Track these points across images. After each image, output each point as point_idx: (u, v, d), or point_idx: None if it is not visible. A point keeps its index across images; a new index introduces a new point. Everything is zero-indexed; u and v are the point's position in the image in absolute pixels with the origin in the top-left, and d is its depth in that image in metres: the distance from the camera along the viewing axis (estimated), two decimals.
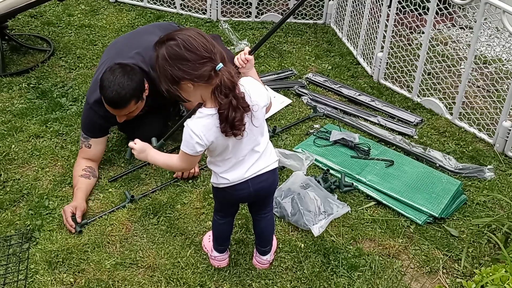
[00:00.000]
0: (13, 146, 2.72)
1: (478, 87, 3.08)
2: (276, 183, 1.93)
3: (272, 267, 2.12)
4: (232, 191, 1.85)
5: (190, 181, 2.53)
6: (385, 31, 3.22)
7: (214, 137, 1.69)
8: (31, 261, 2.11)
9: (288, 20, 4.08)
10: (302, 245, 2.21)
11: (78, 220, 2.23)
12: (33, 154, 2.67)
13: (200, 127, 1.67)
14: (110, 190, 2.47)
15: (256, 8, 4.06)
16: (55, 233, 2.23)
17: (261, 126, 1.78)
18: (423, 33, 3.08)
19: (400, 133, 2.93)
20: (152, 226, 2.29)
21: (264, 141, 1.82)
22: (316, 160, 2.67)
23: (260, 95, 1.75)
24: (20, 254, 2.14)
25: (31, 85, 3.24)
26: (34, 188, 2.46)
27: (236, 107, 1.64)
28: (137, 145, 1.88)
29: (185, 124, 1.70)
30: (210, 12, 4.08)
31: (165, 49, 1.63)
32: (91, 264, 2.10)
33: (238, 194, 1.86)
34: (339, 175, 2.56)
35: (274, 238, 2.18)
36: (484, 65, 3.09)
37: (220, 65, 1.62)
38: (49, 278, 2.04)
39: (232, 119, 1.64)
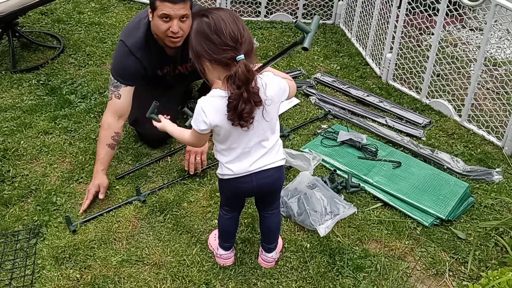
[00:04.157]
0: (22, 142, 2.74)
1: (488, 89, 3.06)
2: (281, 180, 1.93)
3: (278, 267, 2.12)
4: (235, 183, 1.85)
5: (197, 179, 2.54)
6: (395, 32, 3.21)
7: (220, 120, 1.69)
8: (38, 256, 2.13)
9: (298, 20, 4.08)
10: (308, 245, 2.21)
11: (101, 196, 2.37)
12: (42, 150, 2.70)
13: (210, 106, 1.69)
14: (117, 187, 2.49)
15: (265, 7, 4.06)
16: (62, 229, 2.25)
17: (272, 122, 1.77)
18: (432, 34, 3.07)
19: (408, 135, 2.92)
20: (158, 223, 2.30)
21: (274, 138, 1.82)
22: (323, 160, 2.67)
23: (277, 91, 1.74)
24: (28, 249, 2.15)
25: (41, 82, 3.26)
26: (42, 184, 2.48)
27: (246, 100, 1.64)
28: (161, 122, 2.07)
29: (198, 100, 1.72)
30: None
31: (197, 23, 1.66)
32: (97, 260, 2.12)
33: (241, 187, 1.86)
34: (346, 176, 2.56)
35: (280, 237, 2.18)
36: (494, 67, 3.07)
37: (241, 56, 1.62)
38: (55, 274, 2.05)
39: (241, 111, 1.64)
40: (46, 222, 2.27)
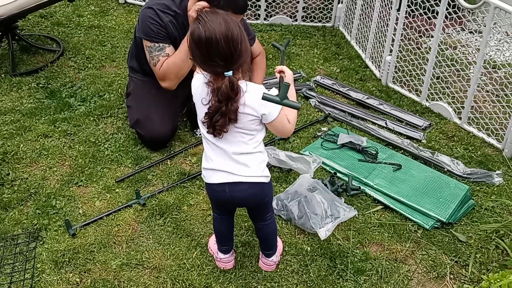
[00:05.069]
0: (21, 145, 2.73)
1: (487, 91, 3.06)
2: (259, 197, 1.88)
3: (278, 270, 2.11)
4: (211, 189, 1.87)
5: (197, 182, 2.54)
6: (394, 34, 3.21)
7: (196, 98, 1.76)
8: (38, 260, 2.12)
9: (297, 23, 4.09)
10: (309, 248, 2.20)
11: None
12: (41, 153, 2.69)
13: (196, 82, 1.76)
14: (117, 190, 2.48)
15: (265, 10, 4.06)
16: (62, 233, 2.24)
17: (245, 135, 1.76)
18: (432, 37, 3.07)
19: (408, 137, 2.92)
20: (158, 227, 2.29)
21: (251, 154, 1.78)
22: (323, 163, 2.66)
23: (256, 105, 1.71)
24: (27, 253, 2.15)
25: (40, 85, 3.26)
26: (42, 188, 2.47)
27: (224, 113, 1.67)
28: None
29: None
30: None
31: (193, 27, 1.65)
32: (97, 264, 2.11)
33: (215, 195, 1.88)
34: (346, 179, 2.55)
35: (280, 240, 2.18)
36: (494, 69, 3.07)
37: (229, 73, 1.63)
38: (55, 278, 2.04)
39: (215, 121, 1.69)
40: (46, 226, 2.26)
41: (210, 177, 1.84)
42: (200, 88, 1.73)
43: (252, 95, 1.70)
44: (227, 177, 1.80)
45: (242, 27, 1.67)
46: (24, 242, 2.20)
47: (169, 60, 2.57)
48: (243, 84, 1.69)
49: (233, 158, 1.78)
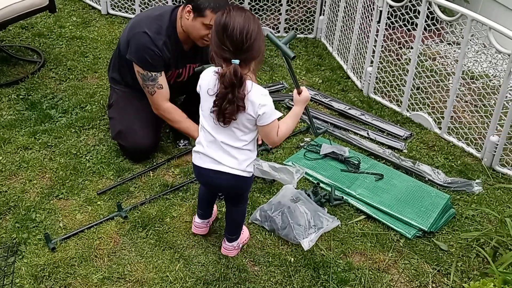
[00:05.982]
0: (0, 158, 2.69)
1: (466, 102, 3.12)
2: (240, 189, 2.04)
3: (262, 281, 2.10)
4: (197, 171, 2.00)
5: (180, 194, 2.52)
6: (375, 46, 3.25)
7: (203, 86, 1.87)
8: (17, 275, 2.08)
9: (279, 34, 4.12)
10: (292, 259, 2.20)
11: None
12: (21, 166, 2.65)
13: (206, 74, 1.87)
14: (98, 203, 2.45)
15: None
16: (42, 247, 2.20)
17: (238, 131, 1.87)
18: (411, 48, 3.12)
19: (389, 147, 2.95)
20: (140, 239, 2.27)
21: (240, 149, 1.90)
22: (306, 173, 2.67)
23: (255, 107, 1.81)
24: (5, 268, 2.10)
25: (21, 97, 3.21)
26: (21, 201, 2.43)
27: (231, 101, 1.76)
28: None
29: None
30: None
31: (218, 14, 1.79)
32: (78, 278, 2.07)
33: (200, 177, 2.04)
34: (329, 189, 2.57)
35: (246, 231, 2.26)
36: (472, 80, 3.13)
37: (236, 61, 1.74)
38: None
39: (224, 109, 1.78)
40: (25, 240, 2.22)
41: (199, 160, 1.96)
42: (209, 78, 1.84)
43: (254, 95, 1.80)
44: (214, 165, 1.93)
45: (262, 30, 1.79)
46: (3, 257, 2.15)
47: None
48: (249, 82, 1.79)
49: (223, 148, 1.89)
